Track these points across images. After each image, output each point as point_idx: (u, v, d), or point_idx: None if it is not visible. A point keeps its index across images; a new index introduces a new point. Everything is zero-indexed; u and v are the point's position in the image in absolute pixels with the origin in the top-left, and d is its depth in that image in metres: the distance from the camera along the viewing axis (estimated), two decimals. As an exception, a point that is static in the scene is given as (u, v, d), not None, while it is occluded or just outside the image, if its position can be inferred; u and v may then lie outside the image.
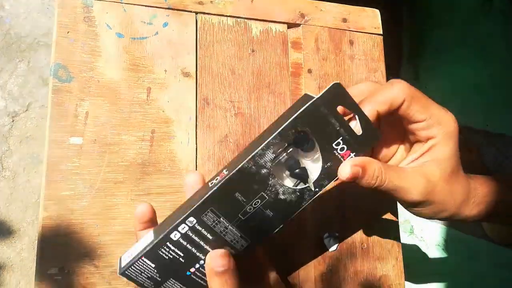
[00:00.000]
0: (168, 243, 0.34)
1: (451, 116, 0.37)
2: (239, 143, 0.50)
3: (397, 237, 0.54)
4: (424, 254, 0.98)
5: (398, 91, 0.35)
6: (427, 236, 1.04)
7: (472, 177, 0.40)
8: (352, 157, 0.35)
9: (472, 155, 1.04)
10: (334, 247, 0.50)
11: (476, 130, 1.06)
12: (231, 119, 0.50)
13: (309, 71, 0.54)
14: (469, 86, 1.07)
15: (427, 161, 0.37)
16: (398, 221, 0.54)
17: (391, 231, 0.53)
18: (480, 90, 1.04)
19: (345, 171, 0.34)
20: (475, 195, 0.38)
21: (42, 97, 1.05)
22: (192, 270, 0.36)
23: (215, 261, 0.34)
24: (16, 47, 1.02)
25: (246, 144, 0.50)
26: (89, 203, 0.43)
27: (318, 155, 0.35)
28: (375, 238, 0.52)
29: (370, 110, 0.35)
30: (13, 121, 1.04)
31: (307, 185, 0.35)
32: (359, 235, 0.52)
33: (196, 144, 0.48)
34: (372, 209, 0.53)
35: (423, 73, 1.19)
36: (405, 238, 1.08)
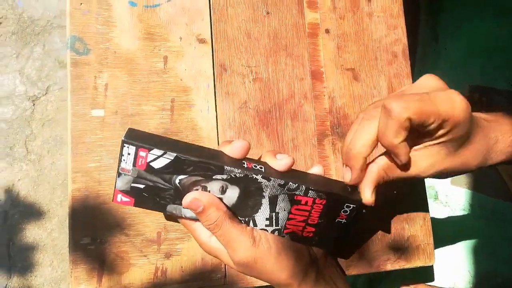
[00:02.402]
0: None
1: (460, 106, 0.34)
2: (259, 109, 0.49)
3: (424, 198, 0.53)
4: (449, 218, 0.97)
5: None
6: (452, 201, 1.02)
7: (490, 120, 0.38)
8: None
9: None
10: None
11: (499, 91, 1.02)
12: (249, 84, 0.49)
13: (327, 31, 0.52)
14: (490, 45, 1.03)
15: (433, 144, 0.36)
16: (424, 182, 0.53)
17: (419, 192, 0.52)
18: (502, 48, 1.00)
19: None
20: (496, 141, 0.37)
21: (60, 80, 1.06)
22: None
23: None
24: (30, 31, 1.02)
25: (266, 109, 0.49)
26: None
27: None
28: (402, 199, 0.51)
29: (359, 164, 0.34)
30: (34, 105, 1.06)
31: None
32: (386, 197, 0.51)
33: (216, 111, 0.48)
34: (398, 169, 0.52)
35: (442, 33, 1.15)
36: (430, 204, 1.07)
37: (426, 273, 0.88)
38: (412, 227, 0.51)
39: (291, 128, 0.49)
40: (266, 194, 0.35)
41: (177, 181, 0.34)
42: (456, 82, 1.04)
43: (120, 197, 0.35)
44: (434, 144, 0.34)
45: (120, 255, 0.44)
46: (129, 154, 0.33)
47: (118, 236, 0.44)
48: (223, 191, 0.35)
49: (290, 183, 0.35)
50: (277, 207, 0.36)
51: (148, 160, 0.33)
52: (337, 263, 0.47)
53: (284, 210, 0.36)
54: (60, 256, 1.05)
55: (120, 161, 0.33)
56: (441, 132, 0.33)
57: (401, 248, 0.50)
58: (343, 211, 0.37)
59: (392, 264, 0.50)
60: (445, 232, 0.97)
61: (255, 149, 0.48)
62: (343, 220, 0.38)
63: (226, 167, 0.33)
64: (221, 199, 0.35)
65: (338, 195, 0.36)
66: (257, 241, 0.36)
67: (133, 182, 0.34)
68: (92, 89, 0.44)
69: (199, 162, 0.33)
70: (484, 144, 0.36)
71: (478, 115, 0.37)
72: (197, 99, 0.47)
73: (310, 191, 0.35)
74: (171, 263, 0.45)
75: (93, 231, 0.43)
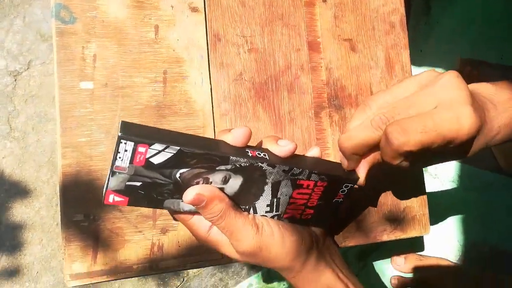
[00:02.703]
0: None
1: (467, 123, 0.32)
2: (255, 81, 0.47)
3: (420, 169, 0.53)
4: (439, 190, 0.98)
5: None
6: (441, 173, 1.03)
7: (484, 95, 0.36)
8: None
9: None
10: (357, 181, 0.49)
11: (490, 64, 1.02)
12: (244, 55, 0.47)
13: (324, 0, 0.50)
14: (482, 19, 1.02)
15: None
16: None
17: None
18: (494, 22, 1.00)
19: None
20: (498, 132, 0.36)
21: (43, 54, 1.02)
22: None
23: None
24: (9, 2, 0.97)
25: (262, 81, 0.48)
26: (108, 149, 0.42)
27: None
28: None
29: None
30: (15, 80, 1.02)
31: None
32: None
33: (211, 83, 0.46)
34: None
35: (434, 6, 1.14)
36: (419, 176, 1.08)
37: (417, 244, 0.90)
38: (408, 198, 0.51)
39: (288, 101, 0.48)
40: (269, 180, 0.34)
41: (177, 175, 0.32)
42: (447, 55, 1.03)
43: (112, 197, 0.31)
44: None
45: (115, 232, 0.43)
46: (126, 150, 0.29)
47: (112, 212, 0.43)
48: (225, 181, 0.33)
49: (295, 168, 0.34)
50: (279, 192, 0.35)
51: (148, 155, 0.30)
52: (333, 240, 0.47)
53: (286, 195, 0.35)
54: (49, 234, 1.04)
55: (115, 159, 0.30)
56: (446, 148, 0.33)
57: (397, 219, 0.51)
58: (341, 191, 0.37)
59: (388, 235, 0.50)
60: (435, 203, 0.98)
61: (252, 122, 0.47)
62: (340, 199, 0.38)
63: (231, 157, 0.31)
64: (222, 189, 0.33)
65: (338, 176, 0.36)
66: (260, 228, 0.35)
67: (128, 181, 0.31)
68: (80, 60, 0.42)
69: (204, 154, 0.31)
70: (487, 135, 0.35)
71: (485, 98, 0.35)
72: (190, 71, 0.46)
73: (312, 174, 0.35)
74: (168, 238, 0.44)
75: (85, 208, 0.42)
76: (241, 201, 0.35)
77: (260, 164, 0.32)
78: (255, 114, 0.47)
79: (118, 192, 0.31)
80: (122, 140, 0.29)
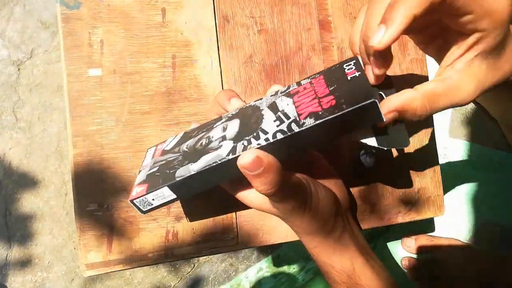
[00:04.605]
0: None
1: (504, 2, 0.32)
2: (265, 63, 0.46)
3: (434, 150, 0.52)
4: (448, 170, 0.97)
5: None
6: (450, 153, 1.02)
7: None
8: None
9: None
10: (371, 163, 0.48)
11: None
12: (254, 37, 0.46)
13: (334, -23, 0.49)
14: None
15: (473, 57, 0.33)
16: (434, 134, 0.52)
17: (428, 143, 0.51)
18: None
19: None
20: None
21: (44, 42, 1.00)
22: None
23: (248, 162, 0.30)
24: (8, -10, 0.96)
25: (272, 63, 0.46)
26: (119, 137, 0.42)
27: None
28: (412, 151, 0.50)
29: (404, 16, 0.28)
30: (19, 69, 1.01)
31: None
32: (395, 150, 0.50)
33: (220, 67, 0.45)
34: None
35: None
36: (428, 156, 1.07)
37: (427, 224, 0.90)
38: (422, 179, 0.51)
39: (300, 83, 0.47)
40: (264, 107, 0.34)
41: (184, 147, 0.36)
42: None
43: (135, 190, 0.35)
44: (474, 57, 0.32)
45: (129, 220, 0.43)
46: (150, 153, 0.39)
47: (125, 201, 0.42)
48: (224, 129, 0.35)
49: (280, 89, 0.36)
50: (279, 107, 0.33)
51: (163, 147, 0.38)
52: (355, 217, 0.47)
53: (288, 105, 0.33)
54: (59, 223, 1.04)
55: (142, 163, 0.38)
56: (477, 35, 0.30)
57: (411, 201, 0.50)
58: (347, 70, 0.34)
59: (403, 217, 0.50)
60: (445, 183, 0.98)
61: (263, 106, 0.46)
62: (355, 74, 0.33)
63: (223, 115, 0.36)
64: (224, 136, 0.34)
65: (330, 67, 0.35)
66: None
67: (148, 171, 0.36)
68: (87, 46, 0.41)
69: (202, 125, 0.36)
70: None
71: None
72: (199, 54, 0.44)
73: (302, 81, 0.35)
74: (182, 225, 0.43)
75: (99, 197, 0.42)
76: (246, 133, 0.33)
77: (249, 104, 0.36)
78: (267, 98, 0.46)
79: (140, 183, 0.35)
80: (149, 149, 0.40)
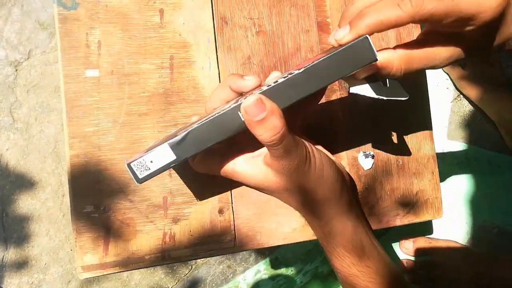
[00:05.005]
0: None
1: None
2: (264, 65, 0.46)
3: (432, 152, 0.52)
4: (446, 172, 0.97)
5: None
6: (448, 155, 1.02)
7: None
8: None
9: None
10: (369, 165, 0.48)
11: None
12: (252, 38, 0.46)
13: (332, -22, 0.49)
14: None
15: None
16: (432, 136, 0.52)
17: (426, 145, 0.51)
18: None
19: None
20: None
21: (42, 43, 1.00)
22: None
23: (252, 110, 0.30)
24: (5, -10, 0.95)
25: (270, 65, 0.46)
26: (116, 138, 0.41)
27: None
28: (410, 153, 0.50)
29: (366, 26, 0.30)
30: (16, 70, 1.00)
31: None
32: (394, 152, 0.50)
33: (218, 68, 0.45)
34: (406, 124, 0.50)
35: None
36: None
37: (425, 227, 0.89)
38: (420, 181, 0.51)
39: (298, 84, 0.47)
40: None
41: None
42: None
43: (134, 157, 0.34)
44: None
45: (126, 222, 0.42)
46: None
47: (122, 203, 0.42)
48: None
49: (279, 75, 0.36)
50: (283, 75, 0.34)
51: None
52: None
53: (291, 69, 0.34)
54: (56, 225, 1.04)
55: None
56: (468, 28, 0.30)
57: (410, 203, 0.50)
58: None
59: (401, 219, 0.50)
60: (442, 185, 0.98)
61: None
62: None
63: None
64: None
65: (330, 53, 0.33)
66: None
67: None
68: (85, 47, 0.41)
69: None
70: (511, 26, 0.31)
71: None
72: (197, 56, 0.44)
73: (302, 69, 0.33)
74: (179, 227, 0.43)
75: (96, 199, 0.41)
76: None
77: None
78: (265, 99, 0.46)
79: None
80: None
